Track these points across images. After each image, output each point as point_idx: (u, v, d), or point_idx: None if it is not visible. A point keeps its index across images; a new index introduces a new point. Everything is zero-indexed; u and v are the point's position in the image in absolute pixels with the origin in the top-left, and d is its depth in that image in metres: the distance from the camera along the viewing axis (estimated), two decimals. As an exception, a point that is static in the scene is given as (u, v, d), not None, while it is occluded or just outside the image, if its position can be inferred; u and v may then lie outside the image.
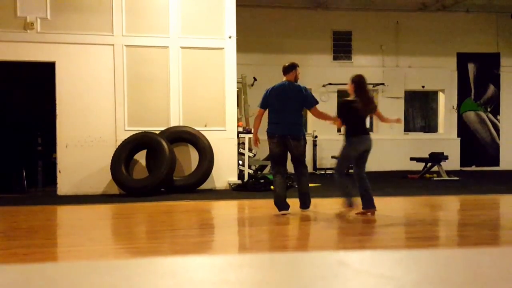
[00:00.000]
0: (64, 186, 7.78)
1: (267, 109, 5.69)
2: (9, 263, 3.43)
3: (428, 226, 5.00)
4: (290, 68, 5.68)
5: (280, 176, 5.57)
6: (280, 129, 5.50)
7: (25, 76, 9.20)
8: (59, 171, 7.80)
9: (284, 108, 5.53)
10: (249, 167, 8.89)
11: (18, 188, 8.09)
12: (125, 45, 7.97)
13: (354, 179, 5.52)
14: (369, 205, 5.32)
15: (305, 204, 5.66)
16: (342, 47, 12.07)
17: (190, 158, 8.21)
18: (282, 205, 5.48)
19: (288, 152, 5.61)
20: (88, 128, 7.85)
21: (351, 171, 5.83)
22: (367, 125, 5.92)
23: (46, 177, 8.57)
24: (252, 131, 5.89)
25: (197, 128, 8.08)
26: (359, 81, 5.42)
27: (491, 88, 12.69)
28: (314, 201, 5.84)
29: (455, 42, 12.37)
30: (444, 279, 1.20)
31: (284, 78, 5.70)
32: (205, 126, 8.22)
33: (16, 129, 9.22)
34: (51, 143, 8.06)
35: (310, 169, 11.83)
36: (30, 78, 9.17)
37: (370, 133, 5.81)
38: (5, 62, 7.80)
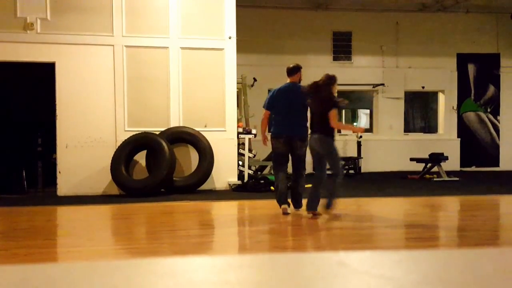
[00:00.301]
0: (64, 187, 7.78)
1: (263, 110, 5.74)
2: (9, 263, 3.43)
3: (428, 227, 5.00)
4: (295, 70, 5.73)
5: (282, 173, 5.62)
6: (287, 130, 5.55)
7: (25, 77, 9.20)
8: (59, 172, 7.80)
9: (290, 109, 5.57)
10: (249, 168, 8.89)
11: (18, 188, 8.09)
12: (125, 46, 7.97)
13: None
14: (325, 206, 5.30)
15: (298, 204, 5.74)
16: (342, 48, 12.07)
17: (190, 159, 8.21)
18: (283, 201, 5.53)
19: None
20: (88, 129, 7.85)
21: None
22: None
23: (46, 177, 8.56)
24: (261, 133, 5.91)
25: (197, 129, 8.08)
26: (320, 79, 5.35)
27: (491, 89, 12.69)
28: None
29: (455, 43, 12.38)
30: (444, 280, 1.20)
31: (288, 80, 5.73)
32: (205, 126, 8.22)
33: (16, 130, 9.22)
34: (51, 143, 8.06)
35: (310, 169, 11.87)
36: (30, 79, 9.17)
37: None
38: (5, 63, 7.80)
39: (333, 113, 5.21)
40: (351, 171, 11.32)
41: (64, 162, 7.79)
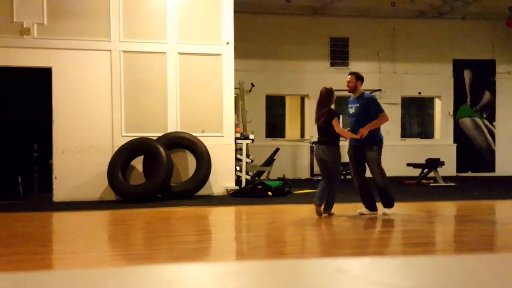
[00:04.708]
0: (60, 193, 7.74)
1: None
2: (4, 270, 3.41)
3: (425, 232, 5.00)
4: None
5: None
6: None
7: (21, 82, 9.18)
8: (55, 177, 7.76)
9: None
10: (247, 173, 8.88)
11: (13, 194, 8.05)
12: (122, 51, 7.97)
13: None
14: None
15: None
16: (339, 54, 12.12)
17: (188, 164, 8.19)
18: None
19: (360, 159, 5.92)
20: (85, 134, 7.83)
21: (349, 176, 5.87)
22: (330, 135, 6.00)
23: (42, 183, 8.52)
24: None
25: (194, 134, 8.07)
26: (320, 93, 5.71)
27: (487, 95, 12.75)
28: (311, 207, 5.84)
29: (451, 49, 12.44)
30: (442, 286, 1.20)
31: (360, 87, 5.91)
32: (203, 132, 8.21)
33: (12, 135, 9.18)
34: (47, 149, 8.03)
35: (307, 175, 11.87)
36: (27, 84, 9.15)
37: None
38: (1, 68, 7.78)
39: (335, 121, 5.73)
40: (349, 176, 11.32)
41: (60, 167, 7.75)
